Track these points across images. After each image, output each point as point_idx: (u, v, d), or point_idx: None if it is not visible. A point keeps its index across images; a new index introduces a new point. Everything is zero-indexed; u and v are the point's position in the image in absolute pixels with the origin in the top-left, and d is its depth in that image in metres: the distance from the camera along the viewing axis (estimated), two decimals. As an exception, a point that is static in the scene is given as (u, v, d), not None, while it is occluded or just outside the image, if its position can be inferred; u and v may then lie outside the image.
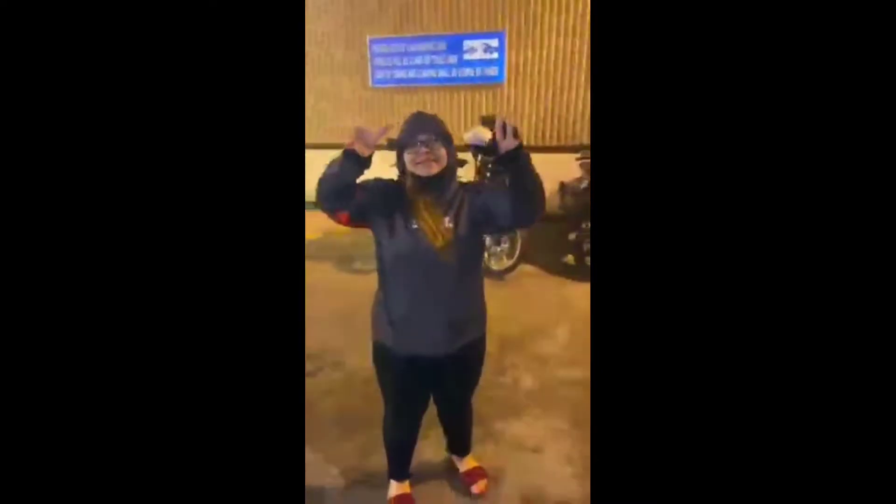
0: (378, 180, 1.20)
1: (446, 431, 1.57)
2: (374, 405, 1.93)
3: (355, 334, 2.56)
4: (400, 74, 4.94)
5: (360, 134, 1.04)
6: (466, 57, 4.65)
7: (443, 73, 4.77)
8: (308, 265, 3.55)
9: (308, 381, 2.15)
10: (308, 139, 5.55)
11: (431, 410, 1.47)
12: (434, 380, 1.32)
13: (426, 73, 4.83)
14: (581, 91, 4.41)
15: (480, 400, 1.53)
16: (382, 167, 1.26)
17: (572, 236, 3.39)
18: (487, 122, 3.40)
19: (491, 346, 1.43)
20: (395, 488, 1.48)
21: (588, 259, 3.32)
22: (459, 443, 1.57)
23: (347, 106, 5.20)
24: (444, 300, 1.18)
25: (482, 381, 1.43)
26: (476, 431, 1.61)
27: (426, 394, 1.38)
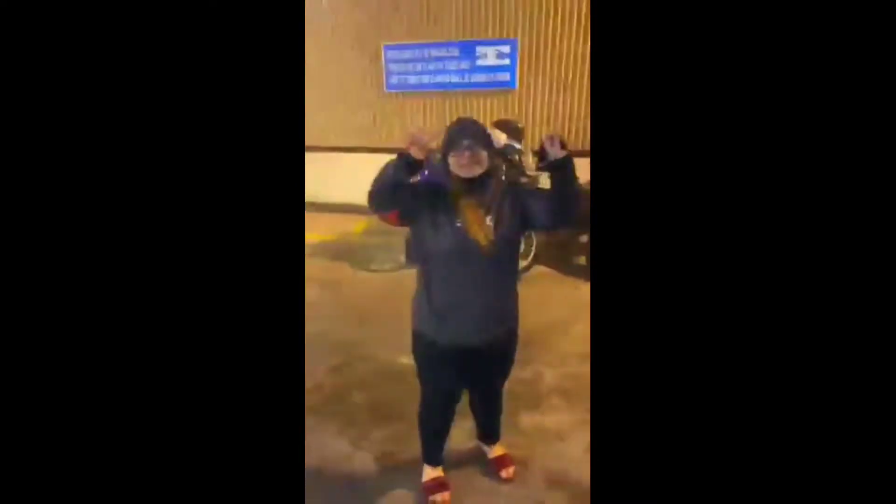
0: (424, 182, 1.30)
1: (477, 419, 1.66)
2: (403, 397, 2.03)
3: (379, 330, 2.66)
4: (413, 80, 5.04)
5: (415, 139, 1.13)
6: (479, 63, 4.76)
7: (455, 79, 4.87)
8: (327, 265, 3.66)
9: (337, 374, 2.24)
10: (324, 142, 5.66)
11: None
12: (470, 368, 1.41)
13: (439, 79, 4.94)
14: (590, 96, 4.52)
15: (504, 393, 1.62)
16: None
17: (584, 239, 3.48)
18: (501, 126, 3.50)
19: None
20: (429, 472, 1.56)
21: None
22: (489, 431, 1.65)
23: (362, 110, 5.31)
24: (483, 293, 1.27)
25: (506, 374, 1.53)
26: (501, 422, 1.70)
27: (462, 382, 1.47)
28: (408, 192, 1.22)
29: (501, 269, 1.30)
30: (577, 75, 4.49)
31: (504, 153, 3.25)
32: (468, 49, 4.76)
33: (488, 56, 4.71)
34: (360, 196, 4.86)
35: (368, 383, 2.18)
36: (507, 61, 4.65)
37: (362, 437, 1.82)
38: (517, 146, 3.37)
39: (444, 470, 1.59)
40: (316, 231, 4.25)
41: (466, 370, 1.41)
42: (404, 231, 3.82)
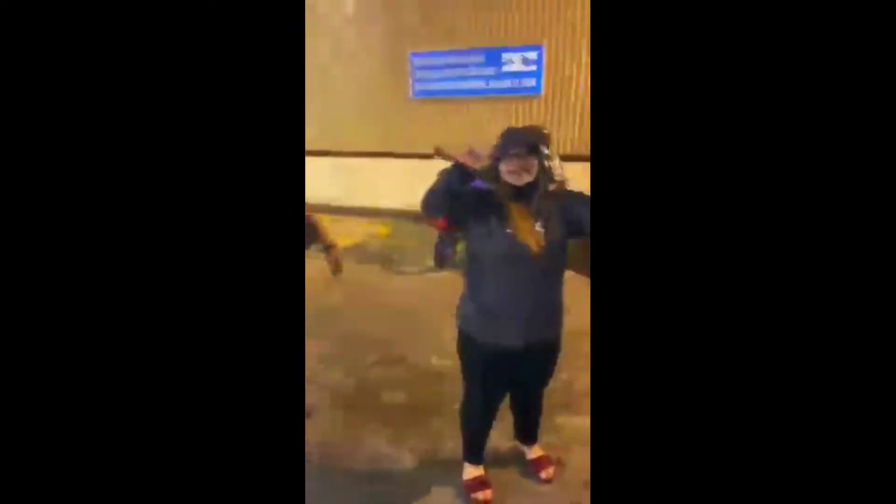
0: (474, 189, 1.35)
1: (517, 420, 1.69)
2: (439, 397, 2.08)
3: (410, 331, 2.71)
4: (439, 86, 5.12)
5: (472, 152, 1.19)
6: (505, 69, 4.81)
7: (481, 85, 4.93)
8: (357, 267, 3.73)
9: (372, 373, 2.30)
10: (350, 148, 5.74)
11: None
12: (514, 370, 1.45)
13: (465, 85, 5.00)
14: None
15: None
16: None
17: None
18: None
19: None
20: (470, 471, 1.60)
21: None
22: (529, 432, 1.68)
23: (388, 116, 5.40)
24: (531, 298, 1.31)
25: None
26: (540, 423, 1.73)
27: (505, 382, 1.51)
28: (460, 199, 1.27)
29: (549, 275, 1.34)
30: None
31: None
32: (494, 55, 4.81)
33: (514, 62, 4.76)
34: (385, 200, 5.01)
35: (404, 383, 2.23)
36: (533, 67, 4.70)
37: (401, 435, 1.87)
38: (545, 151, 3.41)
39: (485, 469, 1.63)
40: (343, 235, 4.34)
41: (510, 372, 1.45)
42: (431, 236, 3.89)
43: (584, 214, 1.27)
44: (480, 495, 1.54)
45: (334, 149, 5.55)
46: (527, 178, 1.26)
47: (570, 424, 1.91)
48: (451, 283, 3.49)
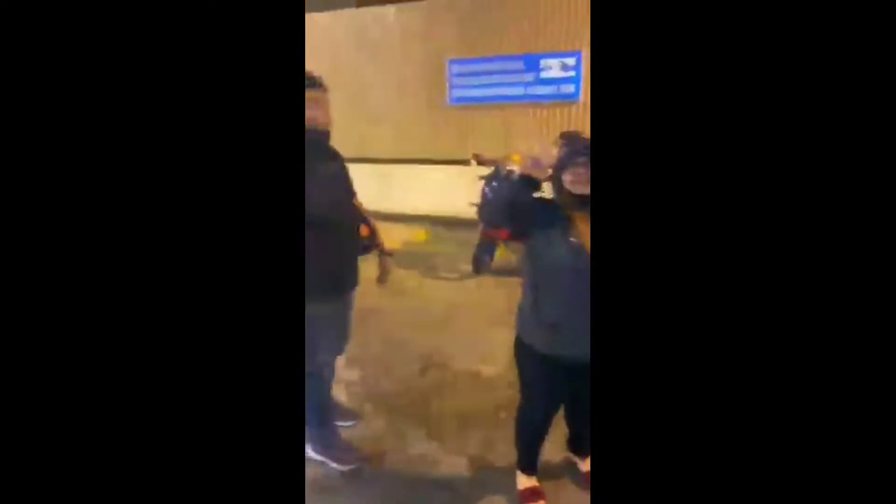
0: (535, 199, 1.35)
1: (572, 431, 1.68)
2: (488, 405, 2.08)
3: (453, 338, 2.72)
4: (476, 93, 5.14)
5: (535, 160, 1.20)
6: (543, 75, 4.79)
7: (519, 91, 4.93)
8: (396, 272, 3.77)
9: (418, 379, 2.32)
10: (387, 155, 5.83)
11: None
12: (572, 380, 1.44)
13: (502, 92, 5.01)
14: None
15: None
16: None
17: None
18: (566, 138, 3.53)
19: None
20: (524, 481, 1.59)
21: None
22: (584, 443, 1.67)
23: (424, 123, 5.46)
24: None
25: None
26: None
27: (564, 394, 1.50)
28: (522, 209, 1.27)
29: None
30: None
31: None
32: (532, 62, 4.81)
33: (553, 69, 4.75)
34: (422, 207, 5.04)
35: (450, 389, 2.24)
36: (572, 73, 4.67)
37: (451, 442, 1.88)
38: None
39: (538, 480, 1.61)
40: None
41: (570, 383, 1.44)
42: (470, 241, 3.90)
43: None
44: (535, 506, 1.53)
45: (371, 155, 5.64)
46: (590, 188, 1.26)
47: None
48: (491, 289, 3.49)
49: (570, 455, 1.71)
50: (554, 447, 1.75)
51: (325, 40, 5.55)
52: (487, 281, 3.64)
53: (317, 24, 5.51)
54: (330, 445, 1.71)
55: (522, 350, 1.43)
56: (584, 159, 1.25)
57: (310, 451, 1.72)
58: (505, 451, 1.74)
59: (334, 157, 1.60)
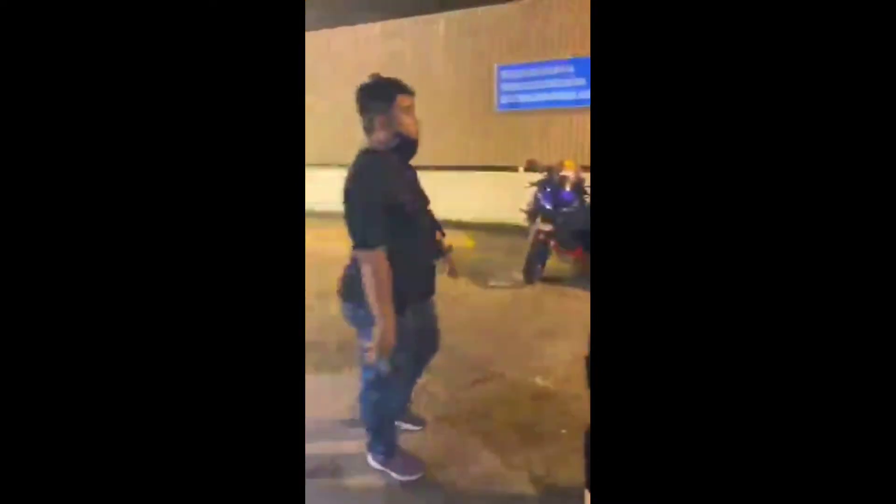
0: None
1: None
2: (547, 419, 2.01)
3: (507, 348, 2.67)
4: (525, 98, 5.09)
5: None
6: (595, 80, 4.69)
7: (570, 96, 4.84)
8: (446, 280, 3.76)
9: (478, 389, 2.28)
10: (435, 161, 5.89)
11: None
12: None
13: (551, 97, 4.94)
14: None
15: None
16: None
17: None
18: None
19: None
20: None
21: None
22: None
23: (472, 129, 5.45)
24: None
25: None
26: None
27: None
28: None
29: None
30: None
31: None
32: (582, 66, 4.71)
33: (605, 72, 4.63)
34: (469, 213, 5.03)
35: (509, 402, 2.18)
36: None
37: (513, 457, 1.82)
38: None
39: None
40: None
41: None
42: (516, 249, 3.84)
43: None
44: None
45: (420, 162, 5.69)
46: None
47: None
48: (543, 299, 3.42)
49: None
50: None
51: (375, 49, 5.65)
52: (538, 290, 3.56)
53: (368, 34, 5.63)
54: (392, 455, 1.69)
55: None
56: None
57: (371, 460, 1.71)
58: (570, 469, 1.67)
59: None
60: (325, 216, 5.99)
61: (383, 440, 1.68)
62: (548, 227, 3.37)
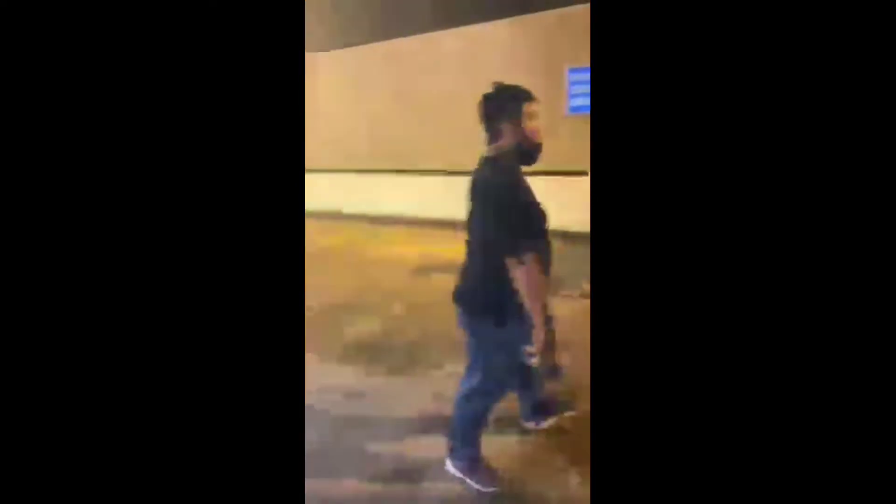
0: None
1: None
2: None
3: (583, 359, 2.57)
4: (596, 101, 4.93)
5: None
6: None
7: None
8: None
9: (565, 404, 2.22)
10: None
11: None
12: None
13: (626, 99, 4.75)
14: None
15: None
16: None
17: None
18: None
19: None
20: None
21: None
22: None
23: (542, 133, 5.36)
24: None
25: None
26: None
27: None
28: None
29: None
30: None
31: None
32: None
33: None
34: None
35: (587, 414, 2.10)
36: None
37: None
38: None
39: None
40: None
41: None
42: (585, 257, 3.70)
43: None
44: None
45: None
46: None
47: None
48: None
49: None
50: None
51: (444, 57, 5.73)
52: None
53: (439, 42, 5.72)
54: (474, 464, 1.67)
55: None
56: None
57: (450, 466, 1.70)
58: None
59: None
60: (378, 220, 6.15)
61: (469, 448, 1.66)
62: None
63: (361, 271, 4.22)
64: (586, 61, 4.88)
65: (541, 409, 1.95)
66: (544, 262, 1.46)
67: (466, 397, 1.61)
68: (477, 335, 1.52)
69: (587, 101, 4.97)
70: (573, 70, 4.99)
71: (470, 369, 1.59)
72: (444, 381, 2.31)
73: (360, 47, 6.66)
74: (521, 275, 1.33)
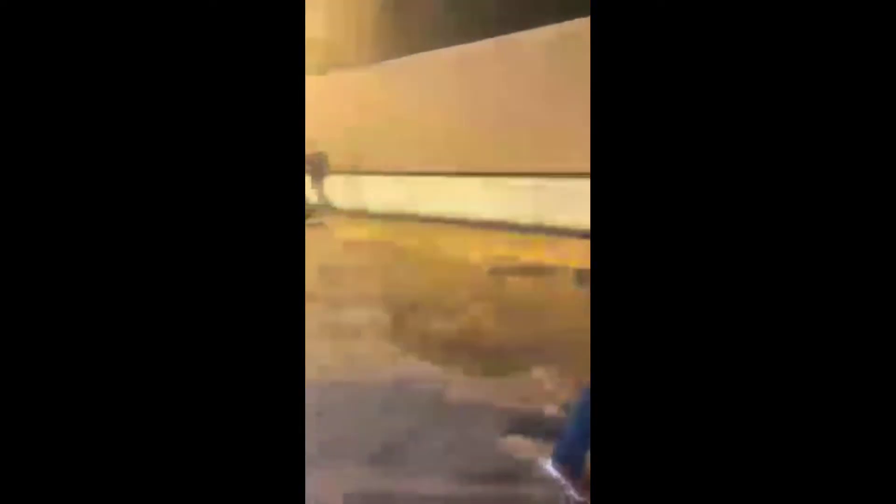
0: None
1: None
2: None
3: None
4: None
5: None
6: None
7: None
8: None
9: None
10: (575, 169, 5.68)
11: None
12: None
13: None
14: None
15: None
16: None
17: None
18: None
19: None
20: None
21: None
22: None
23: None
24: None
25: None
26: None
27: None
28: None
29: None
30: None
31: None
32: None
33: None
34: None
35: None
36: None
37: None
38: None
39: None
40: (575, 257, 4.26)
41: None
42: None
43: None
44: None
45: (561, 170, 5.55)
46: None
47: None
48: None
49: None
50: None
51: (524, 59, 5.69)
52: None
53: (518, 44, 5.70)
54: (578, 468, 1.64)
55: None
56: None
57: (550, 468, 1.67)
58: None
59: None
60: (451, 222, 6.19)
61: (578, 453, 1.63)
62: None
63: (437, 272, 4.29)
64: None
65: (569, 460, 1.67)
66: None
67: (587, 402, 1.58)
68: None
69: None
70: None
71: None
72: (532, 386, 2.28)
73: (438, 51, 6.78)
74: None
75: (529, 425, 1.91)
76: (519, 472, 1.74)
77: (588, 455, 1.63)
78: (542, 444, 1.79)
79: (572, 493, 1.62)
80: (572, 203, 5.55)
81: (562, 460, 1.65)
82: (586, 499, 1.61)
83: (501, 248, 4.81)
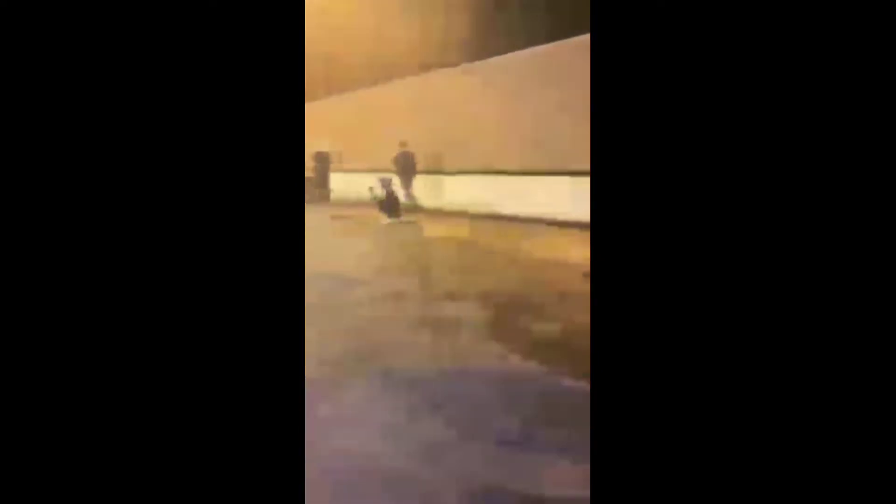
0: None
1: None
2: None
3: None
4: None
5: None
6: None
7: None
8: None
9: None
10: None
11: None
12: None
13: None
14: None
15: None
16: None
17: None
18: None
19: None
20: None
21: None
22: None
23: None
24: None
25: None
26: None
27: None
28: None
29: None
30: None
31: None
32: None
33: None
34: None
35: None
36: None
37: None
38: None
39: None
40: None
41: None
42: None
43: None
44: None
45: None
46: None
47: None
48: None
49: None
50: None
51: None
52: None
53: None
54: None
55: None
56: None
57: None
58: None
59: None
60: (542, 222, 6.10)
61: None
62: None
63: (530, 273, 4.28)
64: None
65: None
66: None
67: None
68: None
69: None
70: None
71: None
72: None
73: (523, 51, 6.74)
74: None
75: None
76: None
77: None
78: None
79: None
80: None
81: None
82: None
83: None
